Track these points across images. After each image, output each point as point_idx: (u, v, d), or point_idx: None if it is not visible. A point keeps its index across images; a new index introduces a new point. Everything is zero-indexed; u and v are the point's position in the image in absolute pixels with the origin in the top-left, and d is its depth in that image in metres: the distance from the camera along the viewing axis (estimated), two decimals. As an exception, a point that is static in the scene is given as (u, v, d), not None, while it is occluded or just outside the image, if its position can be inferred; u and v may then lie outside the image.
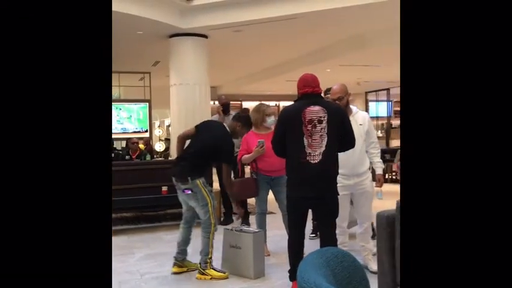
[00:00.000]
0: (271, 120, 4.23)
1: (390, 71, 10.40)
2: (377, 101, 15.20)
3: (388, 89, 14.30)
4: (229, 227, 3.97)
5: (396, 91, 14.62)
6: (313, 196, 3.10)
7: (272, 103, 15.01)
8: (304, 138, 3.03)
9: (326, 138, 3.04)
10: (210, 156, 3.77)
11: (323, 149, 3.03)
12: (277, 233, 4.81)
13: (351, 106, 3.75)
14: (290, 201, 3.23)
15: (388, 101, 15.18)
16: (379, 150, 3.85)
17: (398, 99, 17.69)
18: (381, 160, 3.81)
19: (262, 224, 4.42)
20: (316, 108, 3.05)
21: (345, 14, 5.93)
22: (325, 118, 3.04)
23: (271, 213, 5.56)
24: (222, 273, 3.74)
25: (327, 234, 3.20)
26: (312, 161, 3.02)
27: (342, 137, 3.11)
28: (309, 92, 3.12)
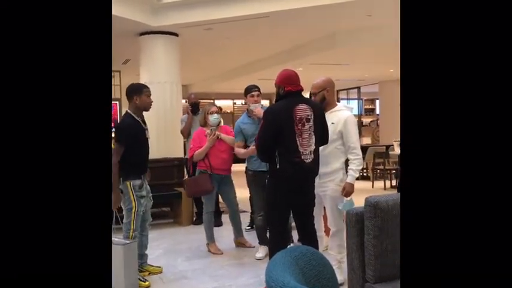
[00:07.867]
0: (213, 118, 4.36)
1: (360, 70, 10.54)
2: (348, 99, 15.38)
3: (358, 88, 14.48)
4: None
5: (366, 89, 14.81)
6: (309, 194, 3.17)
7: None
8: (296, 138, 2.99)
9: (314, 137, 3.05)
10: (126, 152, 3.50)
11: (313, 147, 3.05)
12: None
13: (337, 103, 3.52)
14: (281, 202, 3.12)
15: (359, 99, 15.39)
16: (358, 157, 3.31)
17: (369, 97, 17.94)
18: (354, 169, 3.31)
19: (210, 224, 4.43)
20: (304, 106, 3.05)
21: (316, 13, 5.98)
22: (312, 116, 3.05)
23: (244, 211, 5.56)
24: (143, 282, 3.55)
25: (313, 230, 3.24)
26: (306, 160, 3.01)
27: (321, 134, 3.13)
28: (294, 90, 3.09)
